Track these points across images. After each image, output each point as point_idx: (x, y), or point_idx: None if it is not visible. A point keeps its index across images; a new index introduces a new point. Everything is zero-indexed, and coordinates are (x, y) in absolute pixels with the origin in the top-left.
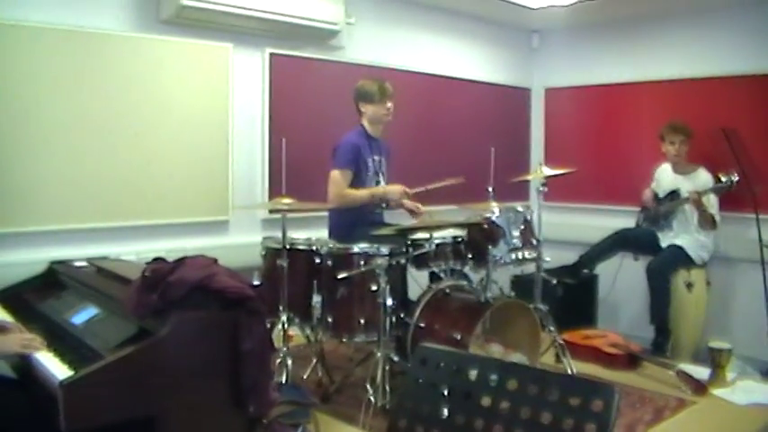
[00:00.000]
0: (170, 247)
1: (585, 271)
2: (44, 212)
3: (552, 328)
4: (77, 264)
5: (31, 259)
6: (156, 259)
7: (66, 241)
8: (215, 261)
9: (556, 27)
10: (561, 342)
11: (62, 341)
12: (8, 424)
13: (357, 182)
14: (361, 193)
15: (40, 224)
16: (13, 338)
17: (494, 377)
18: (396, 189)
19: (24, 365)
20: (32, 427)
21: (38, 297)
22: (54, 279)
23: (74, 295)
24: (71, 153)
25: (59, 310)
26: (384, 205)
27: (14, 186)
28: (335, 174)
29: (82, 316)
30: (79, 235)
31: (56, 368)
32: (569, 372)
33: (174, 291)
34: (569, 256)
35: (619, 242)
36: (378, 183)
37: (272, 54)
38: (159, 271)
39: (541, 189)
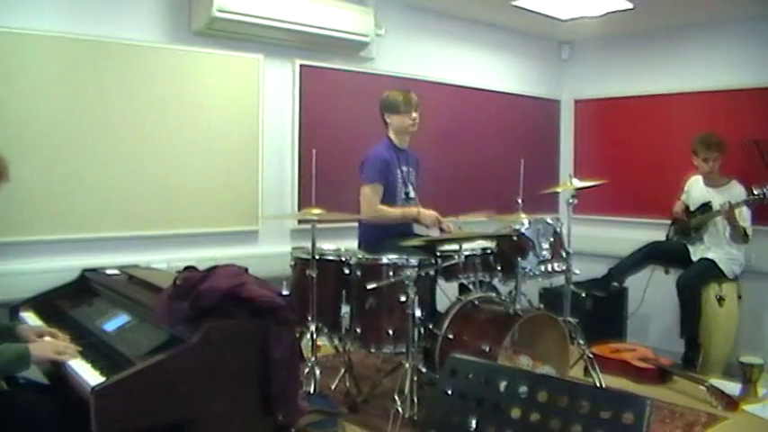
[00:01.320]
0: (200, 257)
1: (615, 284)
2: (77, 221)
3: (581, 341)
4: (109, 272)
5: (63, 267)
6: (188, 268)
7: (99, 249)
8: (245, 270)
9: (586, 38)
10: (590, 355)
11: (94, 348)
12: (39, 429)
13: (387, 193)
14: (394, 213)
15: (73, 232)
16: (47, 345)
17: (523, 389)
18: (429, 215)
19: (56, 371)
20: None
21: (70, 304)
22: (86, 286)
23: (105, 302)
24: (103, 163)
25: (91, 316)
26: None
27: (48, 195)
28: (366, 189)
29: (113, 323)
30: (111, 243)
31: (88, 374)
32: (598, 385)
33: (204, 299)
34: (599, 269)
35: (649, 255)
36: (407, 193)
37: (302, 65)
38: (190, 279)
39: (571, 201)
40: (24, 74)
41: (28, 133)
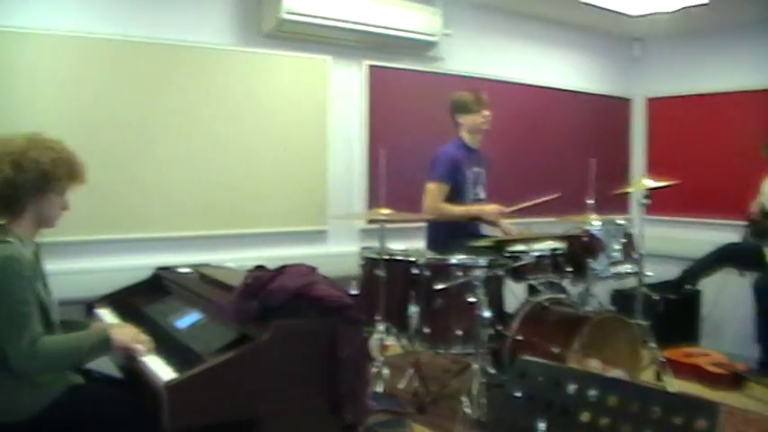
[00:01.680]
0: (270, 256)
1: (688, 286)
2: (151, 220)
3: (653, 345)
4: (181, 270)
5: (138, 265)
6: (258, 267)
7: (171, 248)
8: (315, 269)
9: (658, 35)
10: (662, 359)
11: (166, 344)
12: (114, 422)
13: (456, 194)
14: (456, 210)
15: (147, 232)
16: (128, 331)
17: (593, 392)
18: (492, 209)
19: (130, 366)
20: (137, 425)
21: (144, 301)
22: (159, 284)
23: (178, 300)
24: (176, 164)
25: (164, 314)
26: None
27: (123, 196)
28: (431, 186)
29: (185, 320)
30: (184, 242)
31: (161, 369)
32: (670, 390)
33: (274, 298)
34: (671, 271)
35: (723, 257)
36: (476, 194)
37: (370, 66)
38: (260, 278)
39: (643, 201)
40: (101, 78)
41: (105, 135)
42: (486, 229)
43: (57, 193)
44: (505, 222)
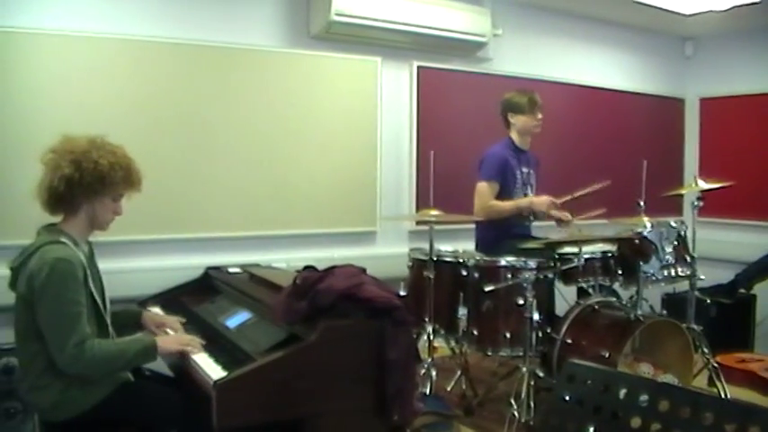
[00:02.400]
0: (319, 256)
1: (742, 291)
2: (202, 221)
3: (705, 350)
4: (231, 270)
5: (188, 264)
6: (307, 267)
7: (222, 248)
8: (363, 270)
9: (711, 33)
10: (715, 365)
11: (216, 343)
12: (163, 420)
13: (505, 194)
14: (507, 205)
15: (198, 232)
16: (173, 338)
17: (644, 397)
18: (542, 200)
19: (181, 364)
20: (186, 423)
21: (194, 300)
22: (209, 284)
23: (227, 300)
24: (227, 165)
25: (214, 313)
26: (531, 217)
27: (175, 196)
28: (482, 186)
29: (235, 320)
30: (234, 243)
31: (210, 368)
32: (723, 396)
33: (322, 298)
34: (725, 275)
35: None
36: (526, 194)
37: (419, 67)
38: (309, 279)
39: (696, 203)
40: (155, 80)
41: (157, 136)
42: (536, 231)
43: (112, 197)
44: (557, 212)
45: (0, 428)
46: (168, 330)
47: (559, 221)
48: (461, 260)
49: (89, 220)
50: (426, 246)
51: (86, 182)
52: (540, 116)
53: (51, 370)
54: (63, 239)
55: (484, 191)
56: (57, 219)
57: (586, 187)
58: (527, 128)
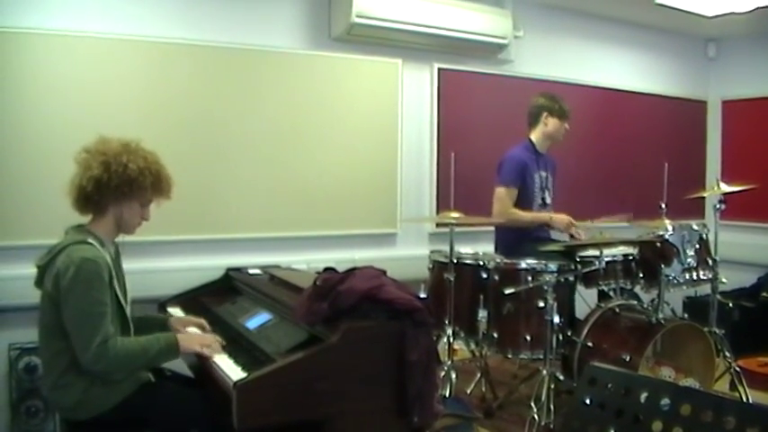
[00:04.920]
0: (339, 258)
1: (765, 294)
2: (222, 222)
3: (728, 354)
4: (252, 271)
5: (209, 265)
6: (327, 269)
7: (242, 250)
8: (384, 272)
9: (734, 35)
10: (737, 369)
11: (236, 344)
12: (183, 420)
13: (523, 197)
14: (526, 216)
15: (219, 233)
16: (195, 337)
17: (666, 401)
18: (562, 219)
19: (201, 365)
20: (206, 423)
21: (215, 301)
22: (230, 285)
23: (248, 301)
24: (247, 167)
25: (234, 314)
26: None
27: (196, 198)
28: (501, 191)
29: (255, 321)
30: (254, 244)
31: (230, 369)
32: (745, 400)
33: (343, 300)
34: (747, 278)
35: None
36: (543, 198)
37: (440, 69)
38: (330, 280)
39: (718, 206)
40: (177, 82)
41: (179, 138)
42: (556, 234)
43: (140, 202)
44: (575, 230)
45: (22, 427)
46: (191, 328)
47: (572, 237)
48: (482, 263)
49: (116, 222)
50: (447, 248)
51: (114, 184)
52: (567, 126)
53: (74, 369)
54: (90, 240)
55: (503, 196)
56: (85, 219)
57: (608, 215)
58: (555, 133)
